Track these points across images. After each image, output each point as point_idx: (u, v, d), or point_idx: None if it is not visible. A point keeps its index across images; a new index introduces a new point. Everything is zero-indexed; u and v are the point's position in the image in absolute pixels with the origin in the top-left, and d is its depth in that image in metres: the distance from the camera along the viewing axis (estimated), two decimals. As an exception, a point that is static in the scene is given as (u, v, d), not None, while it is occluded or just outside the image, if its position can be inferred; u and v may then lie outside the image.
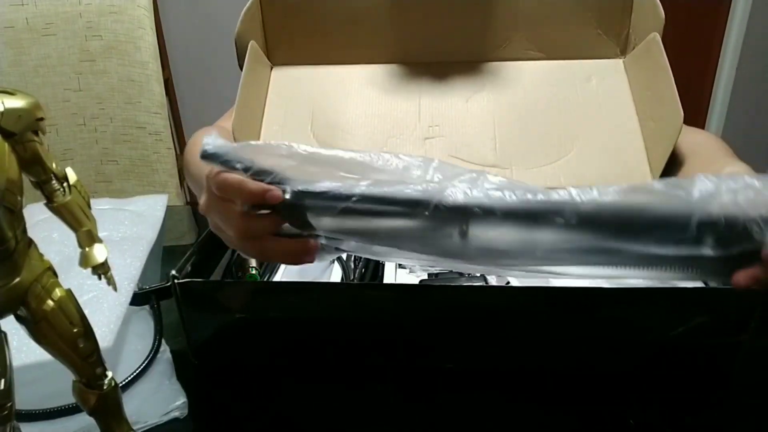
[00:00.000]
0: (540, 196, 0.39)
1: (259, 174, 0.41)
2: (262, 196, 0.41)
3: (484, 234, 0.40)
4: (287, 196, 0.41)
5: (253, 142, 0.44)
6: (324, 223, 0.42)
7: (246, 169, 0.41)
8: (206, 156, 0.42)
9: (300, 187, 0.41)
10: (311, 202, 0.41)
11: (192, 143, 0.72)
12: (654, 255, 0.39)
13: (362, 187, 0.40)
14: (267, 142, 0.44)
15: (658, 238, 0.39)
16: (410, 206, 0.40)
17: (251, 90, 0.69)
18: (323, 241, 0.43)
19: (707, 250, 0.38)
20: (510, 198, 0.39)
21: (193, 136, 0.74)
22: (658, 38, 0.64)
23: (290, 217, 0.43)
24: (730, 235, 0.37)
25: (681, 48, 2.04)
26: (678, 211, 0.38)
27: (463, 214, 0.40)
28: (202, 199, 0.46)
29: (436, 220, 0.40)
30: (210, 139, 0.42)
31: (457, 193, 0.39)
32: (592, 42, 0.71)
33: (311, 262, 0.44)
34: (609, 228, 0.39)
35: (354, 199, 0.40)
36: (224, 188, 0.42)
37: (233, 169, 0.42)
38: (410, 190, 0.40)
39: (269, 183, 0.41)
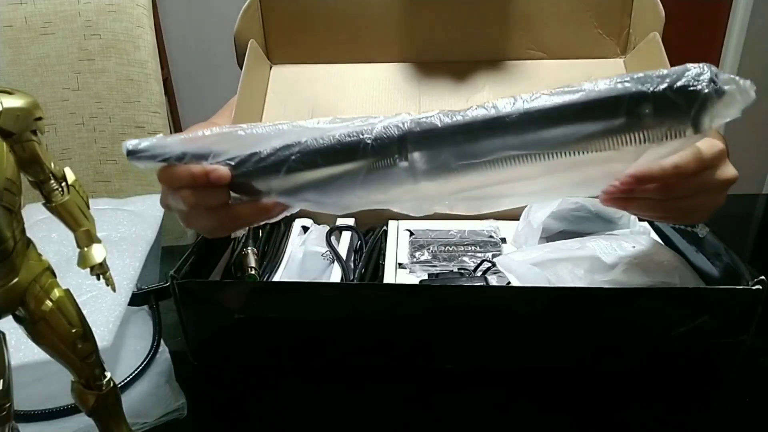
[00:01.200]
0: (471, 114, 0.40)
1: (196, 158, 0.42)
2: (207, 177, 0.41)
3: (425, 156, 0.41)
4: (229, 171, 0.42)
5: (171, 136, 0.44)
6: (273, 185, 0.43)
7: (179, 158, 0.42)
8: (131, 154, 0.43)
9: (240, 159, 0.42)
10: (253, 170, 0.42)
11: None
12: (586, 134, 0.40)
13: (298, 144, 0.41)
14: (185, 133, 0.45)
15: (590, 117, 0.40)
16: (349, 147, 0.40)
17: (251, 88, 0.69)
18: (276, 199, 0.44)
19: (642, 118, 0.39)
20: (442, 120, 0.40)
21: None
22: (658, 37, 0.65)
23: (238, 189, 0.44)
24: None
25: (681, 47, 2.04)
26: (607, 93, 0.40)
27: (401, 141, 0.40)
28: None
29: (377, 154, 0.40)
30: (129, 140, 0.43)
31: (390, 126, 0.40)
32: (593, 41, 0.71)
33: (270, 219, 0.45)
34: (540, 124, 0.40)
35: (293, 159, 0.41)
36: (171, 180, 0.43)
37: (165, 161, 0.43)
38: (344, 132, 0.41)
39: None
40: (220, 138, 0.43)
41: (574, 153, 0.40)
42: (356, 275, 0.62)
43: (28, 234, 0.34)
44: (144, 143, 0.43)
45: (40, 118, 0.32)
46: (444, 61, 0.73)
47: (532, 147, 0.40)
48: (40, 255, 0.35)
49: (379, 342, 0.54)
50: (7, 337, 0.33)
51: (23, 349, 0.43)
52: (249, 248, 0.63)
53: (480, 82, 0.71)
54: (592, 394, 0.52)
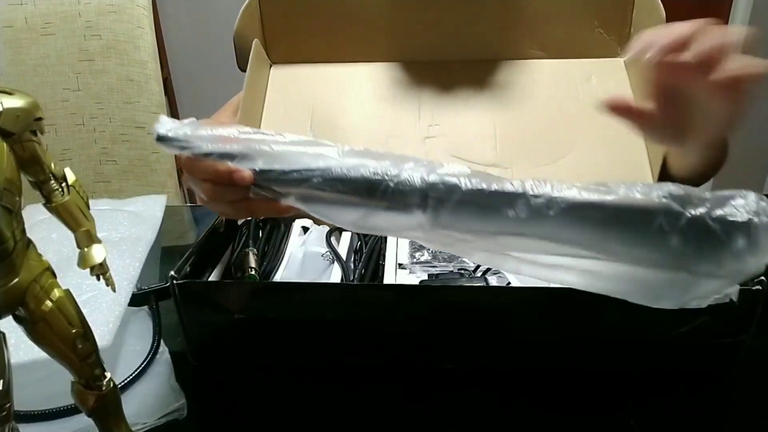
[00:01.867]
0: (494, 186, 0.40)
1: (222, 158, 0.43)
2: (230, 176, 0.43)
3: (444, 213, 0.41)
4: (252, 175, 0.43)
5: (204, 126, 0.44)
6: (292, 192, 0.44)
7: (206, 155, 0.43)
8: (161, 139, 0.43)
9: (263, 167, 0.43)
10: (276, 179, 0.43)
11: None
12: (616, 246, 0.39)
13: (322, 168, 0.41)
14: (220, 128, 0.45)
15: (619, 231, 0.39)
16: (371, 185, 0.41)
17: (254, 89, 0.69)
18: (293, 203, 0.44)
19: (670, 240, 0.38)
20: (465, 185, 0.40)
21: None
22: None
23: (258, 188, 0.44)
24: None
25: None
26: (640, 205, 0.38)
27: (422, 194, 0.40)
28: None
29: (397, 200, 0.41)
30: (162, 122, 0.43)
31: (414, 176, 0.40)
32: (593, 40, 0.70)
33: (285, 215, 0.47)
34: (564, 218, 0.39)
35: (315, 180, 0.42)
36: (195, 171, 0.44)
37: (193, 152, 0.43)
38: (367, 172, 0.41)
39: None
40: (248, 148, 0.43)
41: (590, 256, 0.40)
42: (356, 276, 0.62)
43: (28, 234, 0.34)
44: (176, 131, 0.43)
45: (40, 119, 0.32)
46: (444, 61, 0.72)
47: (551, 238, 0.40)
48: (40, 255, 0.35)
49: (379, 342, 0.54)
50: (7, 337, 0.34)
51: (23, 348, 0.43)
52: (249, 248, 0.63)
53: (480, 80, 0.70)
54: (592, 394, 0.52)
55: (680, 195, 0.38)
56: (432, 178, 0.40)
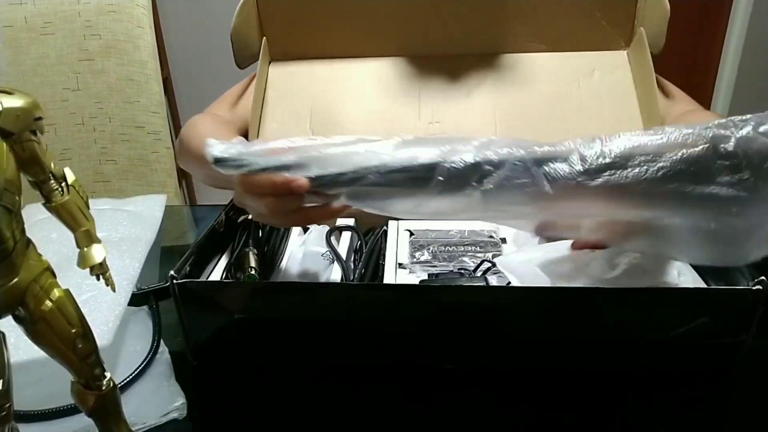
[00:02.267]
0: (546, 147, 0.41)
1: (278, 170, 0.45)
2: (288, 186, 0.45)
3: (499, 187, 0.42)
4: (308, 182, 0.45)
5: (255, 143, 0.46)
6: (344, 191, 0.45)
7: (262, 170, 0.45)
8: (218, 162, 0.45)
9: (318, 173, 0.45)
10: (331, 183, 0.45)
11: (191, 127, 0.73)
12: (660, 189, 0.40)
13: (377, 165, 0.43)
14: (270, 143, 0.47)
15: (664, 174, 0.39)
16: (425, 173, 0.42)
17: (258, 86, 0.69)
18: (345, 202, 0.46)
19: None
20: (517, 152, 0.41)
21: (189, 122, 0.75)
22: (644, 35, 0.64)
23: (314, 195, 0.47)
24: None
25: (682, 47, 2.04)
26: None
27: (475, 172, 0.42)
28: (234, 193, 0.52)
29: (450, 183, 0.42)
30: (213, 145, 0.45)
31: (467, 154, 0.41)
32: (596, 33, 0.70)
33: (337, 217, 0.52)
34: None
35: (370, 176, 0.43)
36: (254, 187, 0.47)
37: (249, 170, 0.45)
38: (422, 160, 0.42)
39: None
40: (301, 157, 0.45)
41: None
42: (356, 275, 0.62)
43: (28, 234, 0.34)
44: (229, 151, 0.45)
45: (39, 118, 0.32)
46: (443, 55, 0.72)
47: (609, 198, 0.41)
48: (39, 255, 0.35)
49: (379, 342, 0.54)
50: (7, 337, 0.33)
51: (23, 348, 0.43)
52: (249, 248, 0.63)
53: (480, 75, 0.70)
54: (592, 394, 0.52)
55: (722, 123, 0.39)
56: (482, 155, 0.41)
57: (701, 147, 0.38)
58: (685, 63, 2.11)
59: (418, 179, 0.42)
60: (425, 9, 0.71)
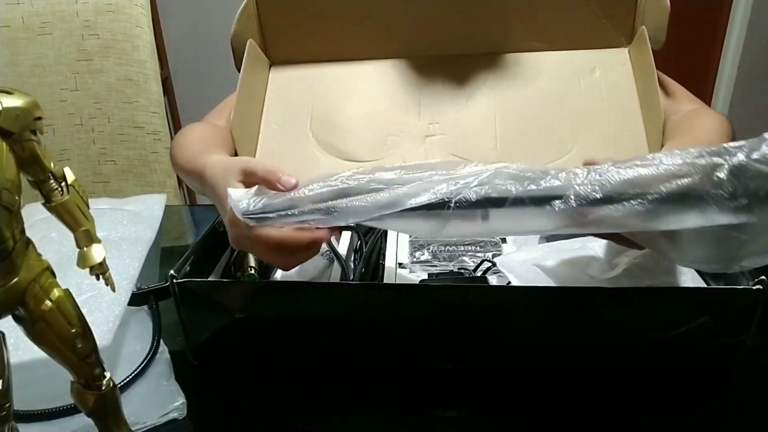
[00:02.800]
0: (543, 184, 0.43)
1: (301, 221, 0.46)
2: (312, 245, 0.47)
3: (503, 217, 0.44)
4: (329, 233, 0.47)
5: (279, 196, 0.47)
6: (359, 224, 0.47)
7: (285, 215, 0.46)
8: (246, 215, 0.46)
9: (339, 224, 0.46)
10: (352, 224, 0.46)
11: (183, 136, 0.69)
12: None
13: (391, 211, 0.44)
14: (291, 192, 0.47)
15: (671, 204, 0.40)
16: (434, 208, 0.44)
17: (250, 89, 0.68)
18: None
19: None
20: (516, 190, 0.43)
21: (181, 132, 0.70)
22: (645, 32, 0.64)
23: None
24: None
25: (682, 47, 2.04)
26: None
27: (479, 205, 0.43)
28: (230, 235, 0.50)
29: (459, 214, 0.44)
30: (236, 199, 0.46)
31: (470, 193, 0.43)
32: (597, 30, 0.69)
33: None
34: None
35: (388, 219, 0.45)
36: (272, 244, 0.46)
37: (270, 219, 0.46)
38: (430, 195, 0.44)
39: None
40: (323, 206, 0.46)
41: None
42: (356, 275, 0.62)
43: (28, 234, 0.34)
44: (256, 205, 0.46)
45: (39, 118, 0.32)
46: (443, 56, 0.72)
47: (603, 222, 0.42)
48: (39, 255, 0.35)
49: (379, 342, 0.54)
50: (7, 337, 0.33)
51: (23, 348, 0.43)
52: (249, 248, 0.63)
53: (481, 76, 0.70)
54: (592, 395, 0.52)
55: (714, 150, 0.39)
56: (485, 190, 0.43)
57: (694, 177, 0.39)
58: (685, 63, 2.12)
59: (430, 213, 0.44)
60: (425, 11, 0.71)
